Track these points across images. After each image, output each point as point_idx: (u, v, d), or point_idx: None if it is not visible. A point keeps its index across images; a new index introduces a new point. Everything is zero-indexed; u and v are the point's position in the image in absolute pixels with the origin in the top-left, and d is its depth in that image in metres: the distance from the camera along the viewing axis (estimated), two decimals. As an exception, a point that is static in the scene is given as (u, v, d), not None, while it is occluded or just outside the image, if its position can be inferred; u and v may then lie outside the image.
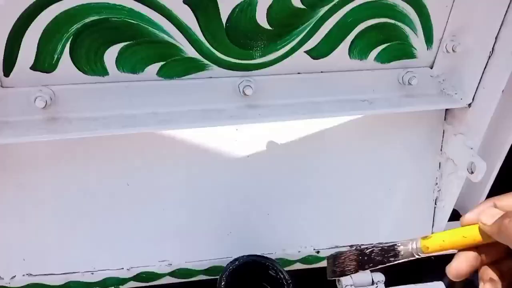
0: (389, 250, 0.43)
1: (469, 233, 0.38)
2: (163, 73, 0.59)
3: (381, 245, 0.44)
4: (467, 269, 0.38)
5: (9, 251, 0.70)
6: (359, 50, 0.64)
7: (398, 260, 0.42)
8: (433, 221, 0.87)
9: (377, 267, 0.44)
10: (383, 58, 0.66)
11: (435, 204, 0.86)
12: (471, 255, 0.38)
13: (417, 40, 0.66)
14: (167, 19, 0.54)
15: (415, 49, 0.67)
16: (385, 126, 0.79)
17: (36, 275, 0.72)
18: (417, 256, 0.41)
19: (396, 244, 0.43)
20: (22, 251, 0.71)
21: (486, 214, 0.36)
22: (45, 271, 0.73)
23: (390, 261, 0.43)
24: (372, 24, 0.61)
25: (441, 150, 0.81)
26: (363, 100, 0.69)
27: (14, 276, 0.71)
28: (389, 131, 0.80)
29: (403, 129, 0.81)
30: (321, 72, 0.65)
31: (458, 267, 0.38)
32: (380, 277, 0.78)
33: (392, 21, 0.62)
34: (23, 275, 0.72)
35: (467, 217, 0.38)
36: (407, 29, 0.64)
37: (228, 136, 0.73)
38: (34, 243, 0.71)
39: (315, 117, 0.68)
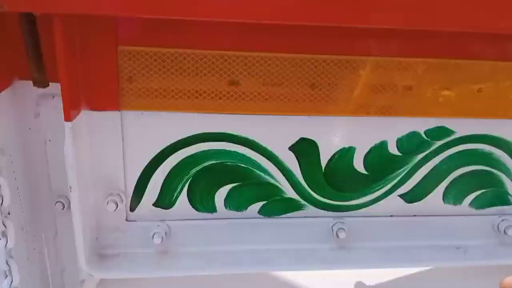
0: None
1: None
2: (263, 212, 0.63)
3: None
4: None
5: None
6: (453, 195, 0.65)
7: None
8: None
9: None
10: (477, 204, 0.67)
11: None
12: None
13: (513, 187, 0.66)
14: (273, 163, 0.60)
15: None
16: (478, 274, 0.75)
17: None
18: None
19: None
20: None
21: None
22: None
23: None
24: (467, 171, 0.64)
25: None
26: (457, 248, 0.68)
27: None
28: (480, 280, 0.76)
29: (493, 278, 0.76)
30: (414, 215, 0.66)
31: None
32: None
33: (488, 169, 0.64)
34: None
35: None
36: (503, 176, 0.65)
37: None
38: None
39: (409, 266, 0.67)
